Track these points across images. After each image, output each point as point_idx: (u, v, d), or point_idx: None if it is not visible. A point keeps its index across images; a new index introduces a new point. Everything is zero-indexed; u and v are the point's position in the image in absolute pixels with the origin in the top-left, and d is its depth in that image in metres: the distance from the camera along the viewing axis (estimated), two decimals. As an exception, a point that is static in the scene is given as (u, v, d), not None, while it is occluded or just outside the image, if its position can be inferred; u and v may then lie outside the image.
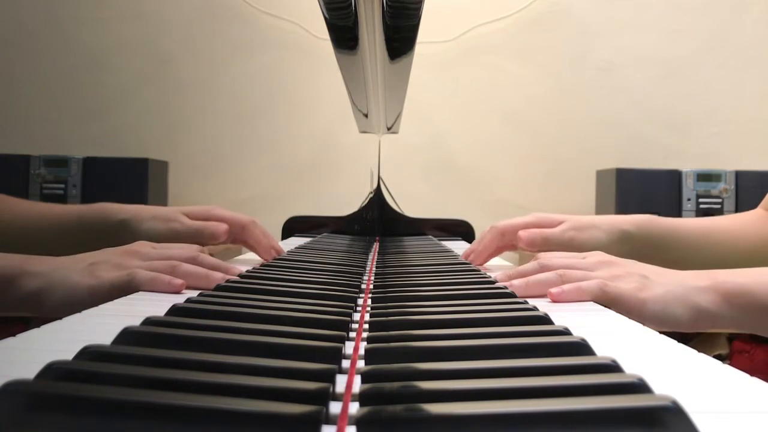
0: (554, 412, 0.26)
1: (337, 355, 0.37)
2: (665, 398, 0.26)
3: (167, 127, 2.58)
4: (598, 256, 0.68)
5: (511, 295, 0.59)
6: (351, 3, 0.62)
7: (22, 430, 0.25)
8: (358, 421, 0.26)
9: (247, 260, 0.95)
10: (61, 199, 2.21)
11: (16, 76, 2.58)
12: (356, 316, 0.51)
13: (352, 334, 0.46)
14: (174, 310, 0.46)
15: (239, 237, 0.91)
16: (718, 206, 2.25)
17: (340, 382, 0.34)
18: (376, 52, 0.78)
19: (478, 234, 1.42)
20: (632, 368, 0.33)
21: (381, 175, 1.43)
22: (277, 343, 0.37)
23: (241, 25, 2.57)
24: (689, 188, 2.27)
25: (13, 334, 0.40)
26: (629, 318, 0.59)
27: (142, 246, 0.69)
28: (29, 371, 0.29)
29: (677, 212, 2.26)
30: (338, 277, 0.69)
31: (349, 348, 0.41)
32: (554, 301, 0.60)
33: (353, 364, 0.37)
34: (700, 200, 2.26)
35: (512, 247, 0.92)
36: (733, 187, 2.26)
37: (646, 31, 2.58)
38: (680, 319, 0.61)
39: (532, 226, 0.89)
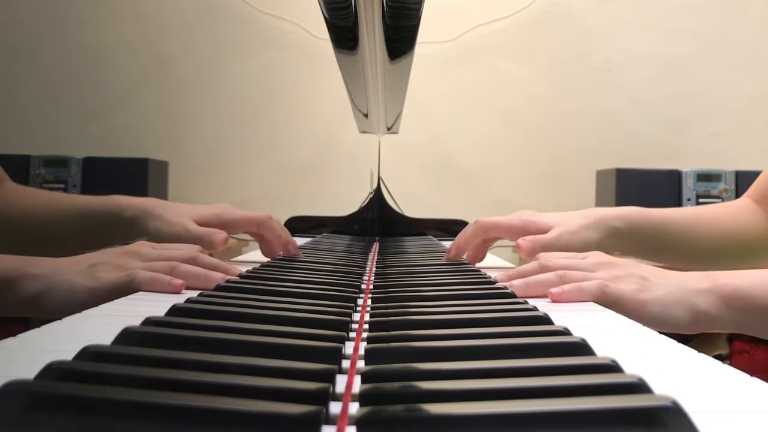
0: (554, 412, 0.26)
1: (337, 356, 0.37)
2: (665, 398, 0.26)
3: (167, 127, 2.58)
4: (598, 256, 0.68)
5: (511, 295, 0.59)
6: (351, 3, 0.62)
7: (22, 430, 0.25)
8: (358, 421, 0.26)
9: (247, 261, 0.95)
10: (61, 199, 2.21)
11: (16, 76, 2.58)
12: (356, 316, 0.51)
13: (352, 334, 0.46)
14: (174, 311, 0.46)
15: (256, 233, 0.92)
16: (718, 206, 2.25)
17: (340, 382, 0.34)
18: (376, 52, 0.78)
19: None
20: (632, 368, 0.33)
21: (381, 175, 1.43)
22: (277, 343, 0.37)
23: (241, 25, 2.57)
24: (689, 188, 2.27)
25: (13, 334, 0.40)
26: (632, 320, 0.59)
27: (142, 246, 0.69)
28: (29, 371, 0.29)
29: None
30: (338, 277, 0.69)
31: (349, 348, 0.41)
32: (554, 301, 0.60)
33: (353, 364, 0.37)
34: (700, 200, 2.26)
35: (494, 240, 0.93)
36: (733, 187, 2.26)
37: (646, 31, 2.58)
38: (680, 321, 0.61)
39: (517, 227, 0.89)
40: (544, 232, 0.87)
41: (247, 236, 0.99)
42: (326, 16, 0.64)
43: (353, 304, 0.54)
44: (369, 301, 0.58)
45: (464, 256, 0.92)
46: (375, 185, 1.42)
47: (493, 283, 0.66)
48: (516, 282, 0.64)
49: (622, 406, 0.26)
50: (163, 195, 2.43)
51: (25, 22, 2.56)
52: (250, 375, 0.31)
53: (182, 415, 0.26)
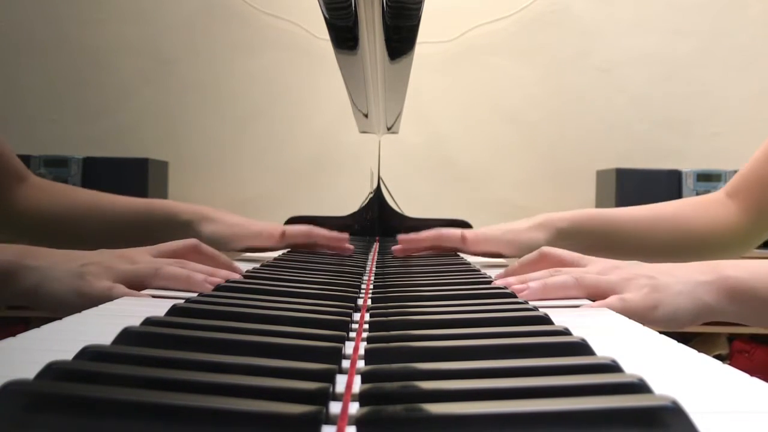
0: (554, 412, 0.26)
1: (337, 355, 0.37)
2: (665, 398, 0.26)
3: (167, 127, 2.59)
4: (602, 263, 0.68)
5: (511, 295, 0.59)
6: (351, 3, 0.62)
7: (22, 430, 0.25)
8: (358, 421, 0.26)
9: (249, 260, 0.95)
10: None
11: (16, 76, 2.58)
12: (356, 316, 0.51)
13: (352, 334, 0.45)
14: (174, 310, 0.46)
15: (306, 242, 0.96)
16: (718, 206, 2.25)
17: (340, 382, 0.34)
18: (376, 52, 0.78)
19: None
20: (632, 368, 0.33)
21: (381, 175, 1.43)
22: (277, 343, 0.37)
23: (241, 25, 2.57)
24: (689, 188, 2.27)
25: (13, 334, 0.40)
26: (641, 323, 0.59)
27: (135, 253, 0.69)
28: (29, 371, 0.29)
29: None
30: (338, 277, 0.69)
31: (349, 348, 0.41)
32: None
33: (353, 364, 0.37)
34: (700, 200, 2.25)
35: (449, 250, 0.97)
36: (733, 187, 2.26)
37: (646, 31, 2.58)
38: (687, 317, 0.62)
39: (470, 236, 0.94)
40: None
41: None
42: (326, 16, 0.64)
43: (353, 304, 0.54)
44: (369, 301, 0.58)
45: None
46: (375, 185, 1.42)
47: (492, 282, 0.66)
48: (533, 284, 0.64)
49: (622, 406, 0.26)
50: (163, 195, 2.44)
51: (25, 22, 2.57)
52: (250, 375, 0.31)
53: (182, 415, 0.26)
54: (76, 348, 0.33)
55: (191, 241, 0.72)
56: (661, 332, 0.46)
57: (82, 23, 2.57)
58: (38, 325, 0.43)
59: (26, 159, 2.25)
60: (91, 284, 0.61)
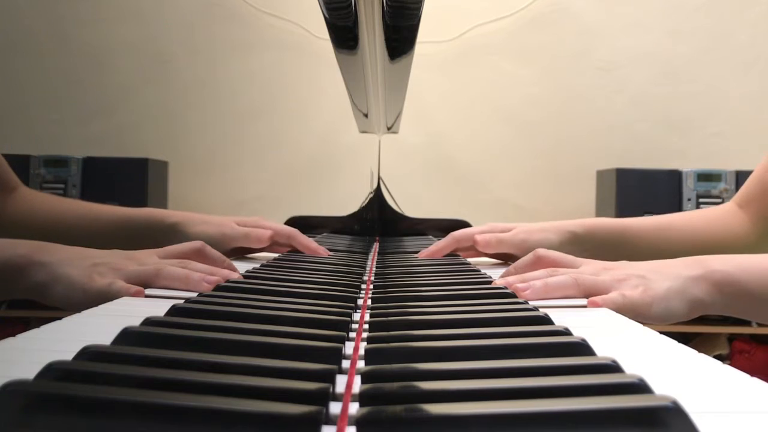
0: (554, 413, 0.26)
1: (337, 356, 0.37)
2: (665, 398, 0.26)
3: (167, 127, 2.58)
4: (594, 264, 0.69)
5: (511, 295, 0.59)
6: (351, 3, 0.62)
7: (22, 430, 0.25)
8: (358, 422, 0.26)
9: (249, 259, 0.95)
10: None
11: (16, 76, 2.58)
12: (356, 316, 0.51)
13: (352, 334, 0.45)
14: (174, 311, 0.46)
15: (287, 243, 0.97)
16: (719, 206, 2.25)
17: (340, 382, 0.34)
18: (376, 52, 0.78)
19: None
20: (632, 368, 0.33)
21: (381, 175, 1.42)
22: (277, 343, 0.37)
23: (241, 25, 2.57)
24: (689, 188, 2.27)
25: (13, 334, 0.40)
26: (635, 320, 0.59)
27: (146, 255, 0.70)
28: (29, 371, 0.29)
29: (677, 212, 2.26)
30: (338, 277, 0.69)
31: (349, 348, 0.41)
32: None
33: (353, 364, 0.37)
34: (700, 200, 2.26)
35: (466, 250, 0.97)
36: (733, 187, 2.26)
37: (646, 31, 2.58)
38: (679, 314, 0.63)
39: (484, 230, 0.95)
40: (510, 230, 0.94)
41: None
42: (326, 16, 0.64)
43: (353, 304, 0.54)
44: (369, 301, 0.58)
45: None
46: (375, 185, 1.42)
47: (493, 283, 0.66)
48: (536, 284, 0.64)
49: (622, 406, 0.26)
50: (163, 195, 2.44)
51: (25, 22, 2.57)
52: (250, 375, 0.31)
53: (182, 415, 0.26)
54: (76, 348, 0.33)
55: (197, 243, 0.73)
56: (661, 332, 0.46)
57: (82, 23, 2.57)
58: (38, 325, 0.43)
59: (26, 159, 2.25)
60: (95, 282, 0.62)
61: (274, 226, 0.98)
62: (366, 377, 0.32)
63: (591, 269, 0.67)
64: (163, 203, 2.42)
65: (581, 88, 2.58)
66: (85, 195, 2.24)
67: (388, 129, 1.35)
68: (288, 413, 0.26)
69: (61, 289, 0.62)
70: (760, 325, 2.26)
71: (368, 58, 0.81)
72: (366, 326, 0.47)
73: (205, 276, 0.64)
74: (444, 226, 1.45)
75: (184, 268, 0.66)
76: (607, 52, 2.58)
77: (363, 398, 0.29)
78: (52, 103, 2.57)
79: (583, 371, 0.32)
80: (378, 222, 1.41)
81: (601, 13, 2.58)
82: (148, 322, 0.41)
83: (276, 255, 0.95)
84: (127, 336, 0.38)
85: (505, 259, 0.95)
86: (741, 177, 2.26)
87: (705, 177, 2.28)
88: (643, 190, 2.27)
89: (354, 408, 0.29)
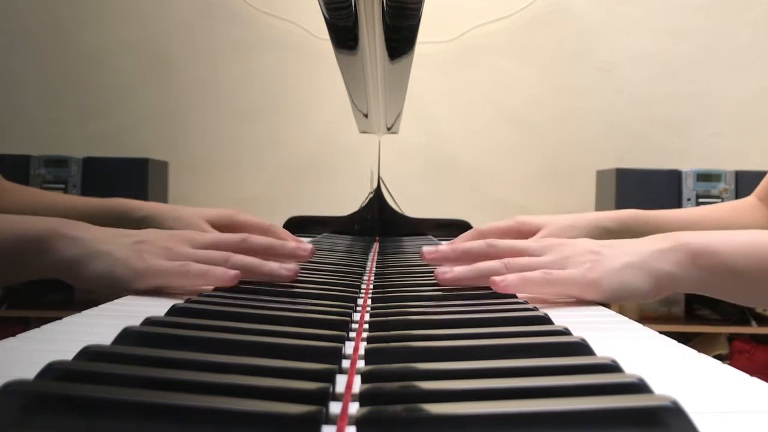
0: (554, 412, 0.26)
1: (337, 355, 0.37)
2: (665, 398, 0.26)
3: (167, 127, 2.58)
4: (547, 240, 0.66)
5: (511, 295, 0.59)
6: (351, 3, 0.62)
7: (22, 430, 0.25)
8: (358, 421, 0.26)
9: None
10: (61, 199, 2.21)
11: (16, 76, 2.58)
12: (356, 316, 0.51)
13: (352, 334, 0.45)
14: (174, 310, 0.46)
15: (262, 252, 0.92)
16: (718, 206, 2.25)
17: (340, 382, 0.34)
18: (376, 52, 0.78)
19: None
20: (632, 368, 0.33)
21: (381, 175, 1.42)
22: (277, 343, 0.37)
23: (241, 25, 2.57)
24: (689, 188, 2.27)
25: (13, 334, 0.40)
26: (586, 299, 0.58)
27: (187, 233, 0.66)
28: (29, 371, 0.29)
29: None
30: (338, 277, 0.69)
31: (349, 348, 0.41)
32: (498, 291, 0.58)
33: (353, 364, 0.37)
34: (700, 200, 2.26)
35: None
36: (733, 187, 2.26)
37: (646, 31, 2.58)
38: (641, 289, 0.59)
39: (512, 230, 0.88)
40: (536, 231, 0.88)
41: None
42: (326, 16, 0.64)
43: (353, 304, 0.54)
44: (369, 301, 0.58)
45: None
46: (375, 185, 1.42)
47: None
48: (459, 269, 0.62)
49: (622, 406, 0.26)
50: (163, 195, 2.44)
51: (25, 22, 2.56)
52: (251, 375, 0.31)
53: (182, 415, 0.26)
54: (76, 348, 0.33)
55: (239, 236, 0.67)
56: (661, 332, 0.46)
57: (82, 23, 2.57)
58: (38, 325, 0.43)
59: (26, 159, 2.25)
60: (151, 263, 0.57)
61: (251, 220, 0.89)
62: (366, 377, 0.32)
63: (536, 247, 0.64)
64: (163, 203, 2.42)
65: (581, 88, 2.58)
66: (85, 195, 2.24)
67: (388, 129, 1.35)
68: (288, 413, 0.26)
69: (102, 266, 0.57)
70: (760, 324, 2.26)
71: (368, 58, 0.81)
72: (366, 326, 0.47)
73: (280, 265, 0.60)
74: (444, 226, 1.45)
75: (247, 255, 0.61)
76: (607, 52, 2.58)
77: (363, 398, 0.29)
78: (52, 103, 2.57)
79: (583, 371, 0.32)
80: (378, 222, 1.41)
81: (601, 13, 2.58)
82: (148, 322, 0.41)
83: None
84: (127, 336, 0.38)
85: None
86: (741, 177, 2.27)
87: (705, 177, 2.28)
88: (643, 190, 2.27)
89: (354, 408, 0.29)
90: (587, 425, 0.26)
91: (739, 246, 0.59)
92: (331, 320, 0.45)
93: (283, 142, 2.57)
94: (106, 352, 0.33)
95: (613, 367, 0.33)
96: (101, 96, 2.57)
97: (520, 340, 0.39)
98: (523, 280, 0.58)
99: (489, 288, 0.62)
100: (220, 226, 0.90)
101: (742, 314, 2.26)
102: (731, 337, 2.36)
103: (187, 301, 0.50)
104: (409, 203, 1.49)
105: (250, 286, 0.60)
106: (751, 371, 0.34)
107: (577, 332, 0.41)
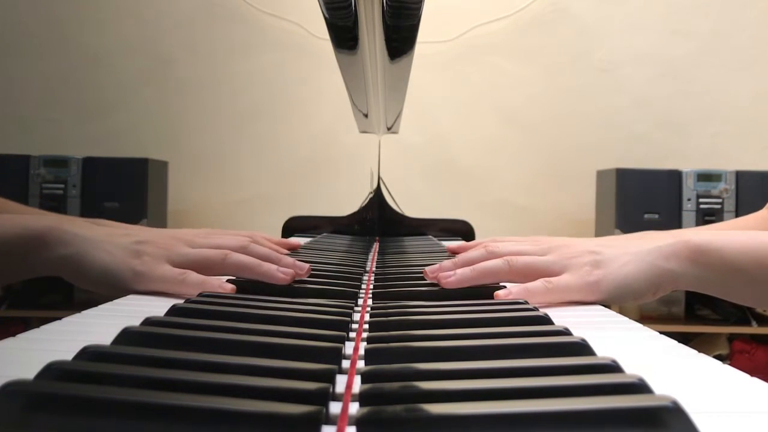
0: (554, 413, 0.26)
1: (337, 355, 0.37)
2: (665, 398, 0.26)
3: (167, 127, 2.59)
4: (546, 242, 0.66)
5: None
6: (351, 3, 0.62)
7: (22, 430, 0.25)
8: (358, 421, 0.26)
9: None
10: (61, 199, 2.21)
11: (16, 76, 2.58)
12: (356, 316, 0.51)
13: (352, 334, 0.45)
14: (174, 311, 0.46)
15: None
16: (718, 206, 2.25)
17: (340, 382, 0.34)
18: (376, 52, 0.78)
19: (478, 234, 1.42)
20: (632, 368, 0.33)
21: (381, 175, 1.43)
22: (277, 343, 0.37)
23: (241, 25, 2.57)
24: (689, 188, 2.27)
25: (14, 334, 0.40)
26: (587, 302, 0.58)
27: (188, 233, 0.66)
28: (29, 371, 0.29)
29: (677, 212, 2.26)
30: (338, 277, 0.69)
31: (349, 348, 0.41)
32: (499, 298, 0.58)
33: (353, 364, 0.37)
34: (700, 200, 2.26)
35: None
36: (733, 187, 2.26)
37: (646, 31, 2.58)
38: (641, 287, 0.58)
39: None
40: None
41: None
42: (326, 16, 0.64)
43: (353, 304, 0.54)
44: (369, 301, 0.58)
45: None
46: (375, 185, 1.42)
47: (493, 283, 0.66)
48: (461, 271, 0.61)
49: (622, 406, 0.26)
50: (163, 195, 2.44)
51: (25, 22, 2.56)
52: (250, 375, 0.31)
53: (182, 415, 0.26)
54: (76, 348, 0.33)
55: (245, 238, 0.67)
56: (662, 332, 0.46)
57: (82, 23, 2.57)
58: (38, 325, 0.43)
59: (26, 159, 2.25)
60: (150, 266, 0.57)
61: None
62: (366, 377, 0.32)
63: (537, 249, 0.63)
64: (163, 203, 2.42)
65: (581, 88, 2.58)
66: (85, 195, 2.25)
67: (388, 129, 1.35)
68: (288, 413, 0.26)
69: (102, 265, 0.56)
70: (760, 324, 2.26)
71: (368, 58, 0.81)
72: (366, 326, 0.47)
73: (277, 267, 0.59)
74: (444, 226, 1.45)
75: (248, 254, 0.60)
76: (607, 52, 2.58)
77: (363, 398, 0.29)
78: (51, 103, 2.57)
79: (583, 371, 0.32)
80: (378, 222, 1.41)
81: (601, 13, 2.58)
82: (148, 322, 0.41)
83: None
84: (127, 336, 0.38)
85: None
86: (741, 177, 2.27)
87: (705, 177, 2.28)
88: (643, 190, 2.27)
89: (354, 408, 0.29)
90: (587, 425, 0.26)
91: (740, 244, 0.59)
92: (331, 320, 0.45)
93: (283, 142, 2.57)
94: (105, 352, 0.33)
95: (613, 367, 0.33)
96: (101, 96, 2.57)
97: (521, 340, 0.39)
98: (525, 292, 0.58)
99: (488, 288, 0.62)
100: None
101: (742, 314, 2.26)
102: (731, 337, 2.36)
103: (187, 301, 0.50)
104: (409, 203, 1.49)
105: (249, 285, 0.60)
106: (752, 371, 0.34)
107: (577, 332, 0.41)
